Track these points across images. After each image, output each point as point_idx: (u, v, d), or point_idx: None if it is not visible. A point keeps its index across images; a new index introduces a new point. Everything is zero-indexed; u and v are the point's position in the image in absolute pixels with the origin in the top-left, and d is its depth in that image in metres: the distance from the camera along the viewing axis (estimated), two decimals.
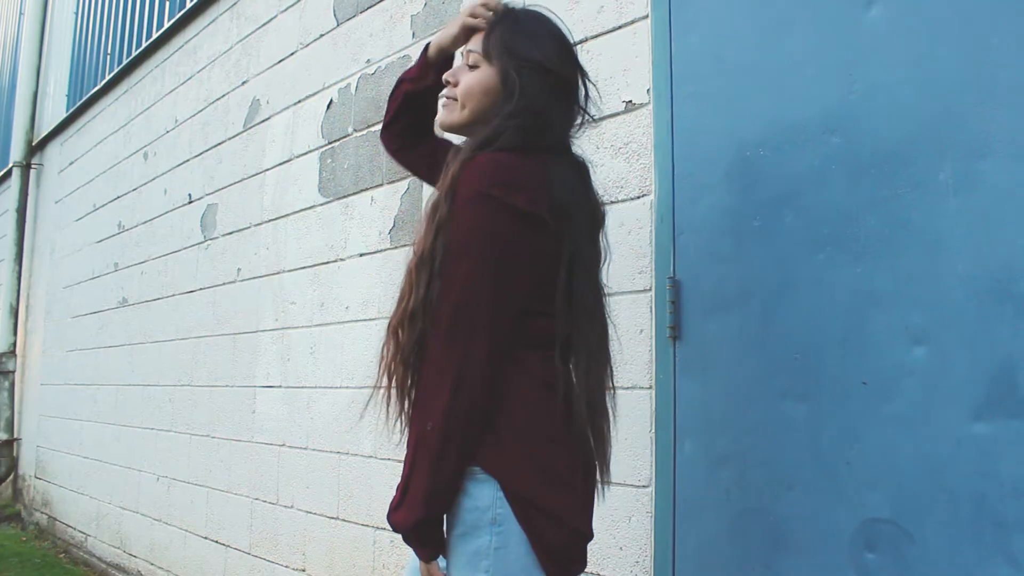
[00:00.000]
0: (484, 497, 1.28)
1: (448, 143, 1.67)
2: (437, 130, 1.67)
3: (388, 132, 1.72)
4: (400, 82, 1.68)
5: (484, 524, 1.28)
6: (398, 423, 1.36)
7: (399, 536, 1.39)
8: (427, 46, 1.62)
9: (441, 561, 1.35)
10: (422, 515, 1.27)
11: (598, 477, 1.43)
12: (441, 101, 1.52)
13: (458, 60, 1.58)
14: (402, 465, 1.34)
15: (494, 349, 1.29)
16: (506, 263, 1.31)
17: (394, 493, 1.34)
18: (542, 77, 1.42)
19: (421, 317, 1.30)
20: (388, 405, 1.35)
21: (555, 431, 1.35)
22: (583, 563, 1.38)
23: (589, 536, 1.38)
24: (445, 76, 1.52)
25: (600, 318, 1.45)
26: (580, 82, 1.49)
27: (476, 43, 1.47)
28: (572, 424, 1.37)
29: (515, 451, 1.30)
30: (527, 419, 1.32)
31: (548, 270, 1.36)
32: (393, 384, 1.35)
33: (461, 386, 1.26)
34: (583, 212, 1.43)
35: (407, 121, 1.69)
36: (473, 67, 1.46)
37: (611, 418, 1.45)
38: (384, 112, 1.73)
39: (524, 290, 1.33)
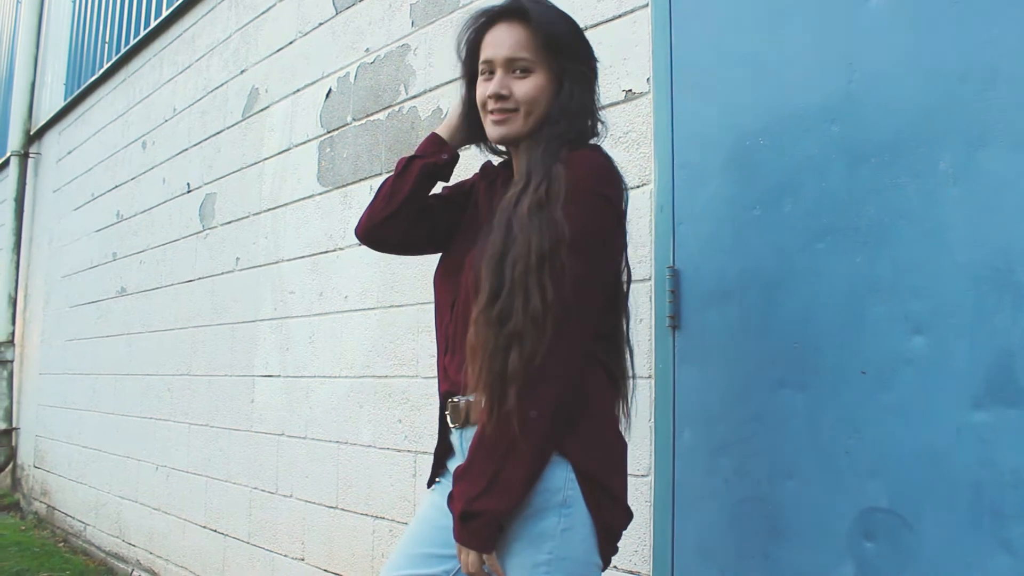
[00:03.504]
0: (556, 479, 1.29)
1: (439, 197, 1.64)
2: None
3: (395, 220, 1.57)
4: (411, 160, 1.59)
5: (553, 506, 1.28)
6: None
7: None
8: (433, 133, 1.63)
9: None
10: (518, 502, 1.26)
11: None
12: (492, 117, 1.44)
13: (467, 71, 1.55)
14: (472, 450, 1.29)
15: (587, 345, 1.35)
16: (609, 263, 1.39)
17: (459, 481, 1.30)
18: (585, 70, 1.48)
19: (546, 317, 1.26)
20: (492, 395, 1.27)
21: (614, 416, 1.42)
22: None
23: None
24: (494, 89, 1.42)
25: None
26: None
27: (520, 49, 1.42)
28: (621, 409, 1.46)
29: (586, 434, 1.32)
30: (596, 404, 1.36)
31: (618, 267, 1.45)
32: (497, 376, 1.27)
33: (568, 379, 1.29)
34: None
35: (418, 203, 1.58)
36: (524, 73, 1.43)
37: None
38: (382, 195, 1.58)
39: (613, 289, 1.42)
